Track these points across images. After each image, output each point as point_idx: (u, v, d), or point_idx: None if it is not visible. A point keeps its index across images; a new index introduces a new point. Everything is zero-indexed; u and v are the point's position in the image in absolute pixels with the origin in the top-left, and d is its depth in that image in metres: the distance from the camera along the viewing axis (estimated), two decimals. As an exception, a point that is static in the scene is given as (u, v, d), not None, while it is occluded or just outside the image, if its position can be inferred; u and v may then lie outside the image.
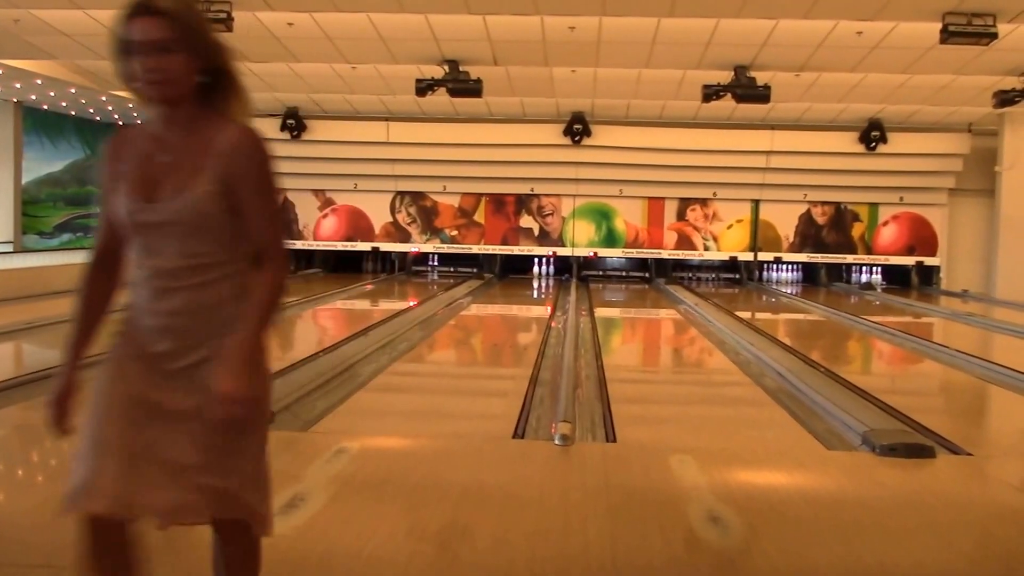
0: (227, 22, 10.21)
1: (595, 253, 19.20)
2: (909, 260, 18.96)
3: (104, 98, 16.57)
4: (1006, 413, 7.33)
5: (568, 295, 14.79)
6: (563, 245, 19.15)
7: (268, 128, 17.85)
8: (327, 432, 5.40)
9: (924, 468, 4.80)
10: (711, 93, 13.24)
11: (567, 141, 17.85)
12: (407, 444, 5.31)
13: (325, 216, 19.32)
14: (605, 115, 17.62)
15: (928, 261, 18.90)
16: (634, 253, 19.00)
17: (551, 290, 16.99)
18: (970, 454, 5.21)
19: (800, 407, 6.46)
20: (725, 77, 12.95)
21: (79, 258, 12.61)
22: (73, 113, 19.01)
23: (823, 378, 7.35)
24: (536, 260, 19.69)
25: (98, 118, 19.48)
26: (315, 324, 12.16)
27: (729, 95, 13.02)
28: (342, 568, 3.25)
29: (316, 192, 19.21)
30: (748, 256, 18.88)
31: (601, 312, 13.04)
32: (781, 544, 3.59)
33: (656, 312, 14.31)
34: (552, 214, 19.12)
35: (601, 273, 19.60)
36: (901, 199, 18.69)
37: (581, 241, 19.07)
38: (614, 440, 5.35)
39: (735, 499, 4.01)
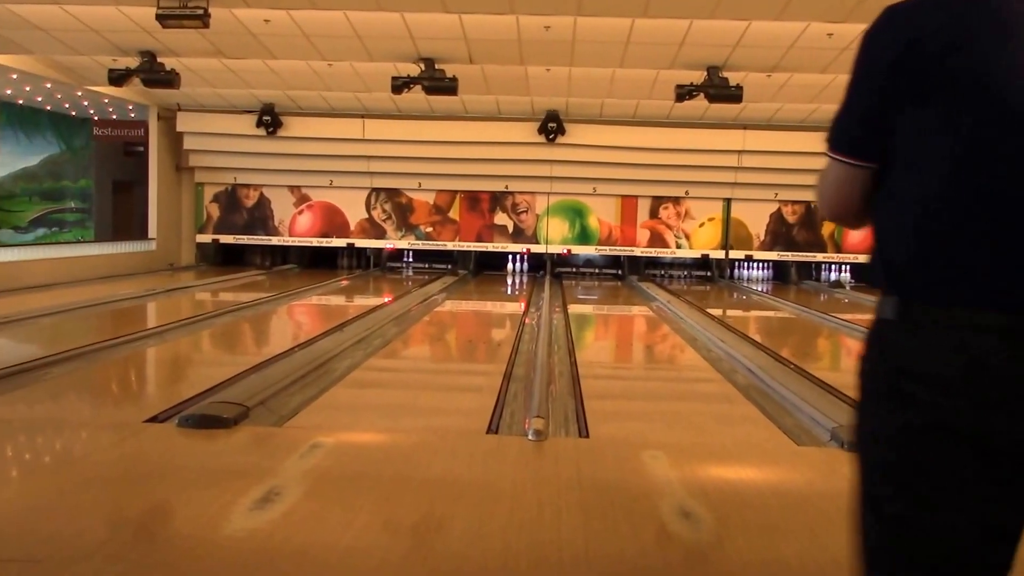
0: (204, 18, 10.16)
1: (569, 250, 19.27)
2: (880, 258, 19.09)
3: (79, 93, 16.45)
4: None
5: (542, 292, 14.83)
6: (537, 242, 19.19)
7: (244, 125, 17.83)
8: (302, 427, 5.41)
9: (890, 463, 4.90)
10: (684, 93, 13.32)
11: (541, 139, 17.88)
12: (382, 439, 5.34)
13: (301, 212, 19.25)
14: (579, 114, 17.67)
15: (897, 259, 19.04)
16: (607, 251, 19.09)
17: (525, 287, 17.03)
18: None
19: (770, 403, 6.51)
20: (698, 77, 13.03)
21: (54, 253, 12.53)
22: (48, 108, 18.87)
23: (793, 375, 7.41)
24: (510, 257, 19.77)
25: (73, 113, 19.35)
26: (290, 319, 12.15)
27: (702, 95, 13.10)
28: (317, 561, 3.26)
29: (292, 188, 19.15)
30: (720, 254, 19.00)
31: (574, 309, 13.09)
32: (751, 538, 3.63)
33: (629, 309, 14.38)
34: (526, 211, 19.16)
35: (574, 270, 19.69)
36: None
37: (555, 238, 19.12)
38: (587, 435, 5.39)
39: (706, 493, 4.06)
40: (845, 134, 1.82)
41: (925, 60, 1.61)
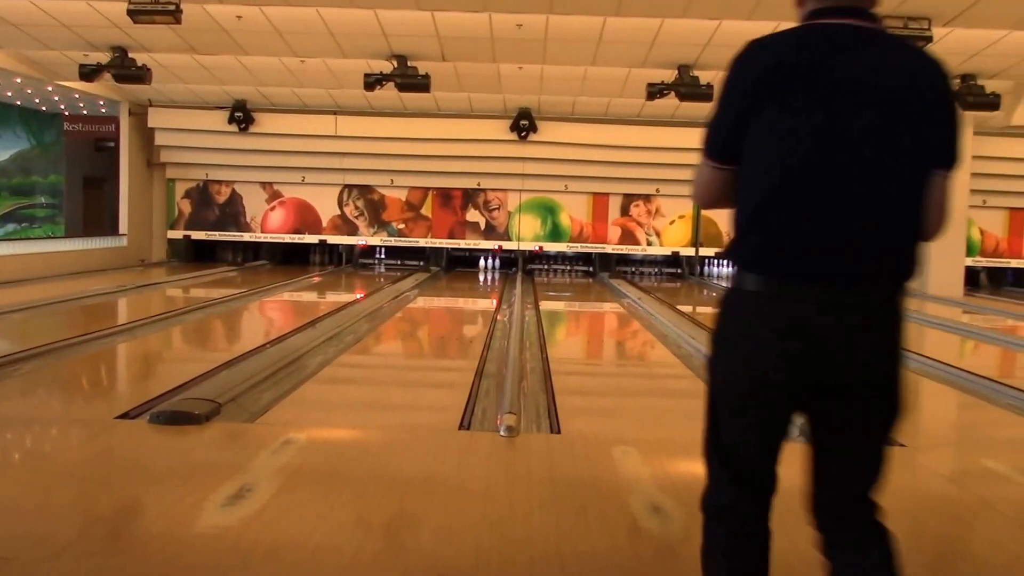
0: (175, 14, 10.12)
1: (540, 247, 19.32)
2: (845, 256, 19.31)
3: (50, 88, 16.34)
4: (938, 405, 7.51)
5: (513, 288, 14.87)
6: (509, 239, 19.23)
7: (216, 121, 17.75)
8: (274, 423, 5.41)
9: (857, 459, 4.97)
10: (655, 91, 13.40)
11: (514, 136, 17.94)
12: (354, 435, 5.34)
13: (273, 208, 19.20)
14: (551, 111, 17.74)
15: (864, 257, 19.26)
16: (579, 247, 19.16)
17: (497, 283, 17.06)
18: (902, 445, 5.35)
19: (739, 400, 6.58)
20: (669, 76, 13.11)
21: (24, 249, 12.40)
22: (19, 103, 18.70)
23: (761, 372, 7.47)
24: (482, 254, 19.80)
25: (44, 108, 19.19)
26: (262, 316, 12.11)
27: (673, 93, 13.19)
28: (289, 559, 3.26)
29: (264, 185, 19.10)
30: (690, 251, 19.11)
31: (546, 306, 13.13)
32: None
33: (600, 306, 14.44)
34: (498, 208, 19.19)
35: (545, 265, 19.73)
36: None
37: (527, 235, 19.17)
38: (559, 431, 5.41)
39: (676, 489, 4.09)
40: (714, 143, 2.22)
41: (774, 80, 2.07)
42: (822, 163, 2.05)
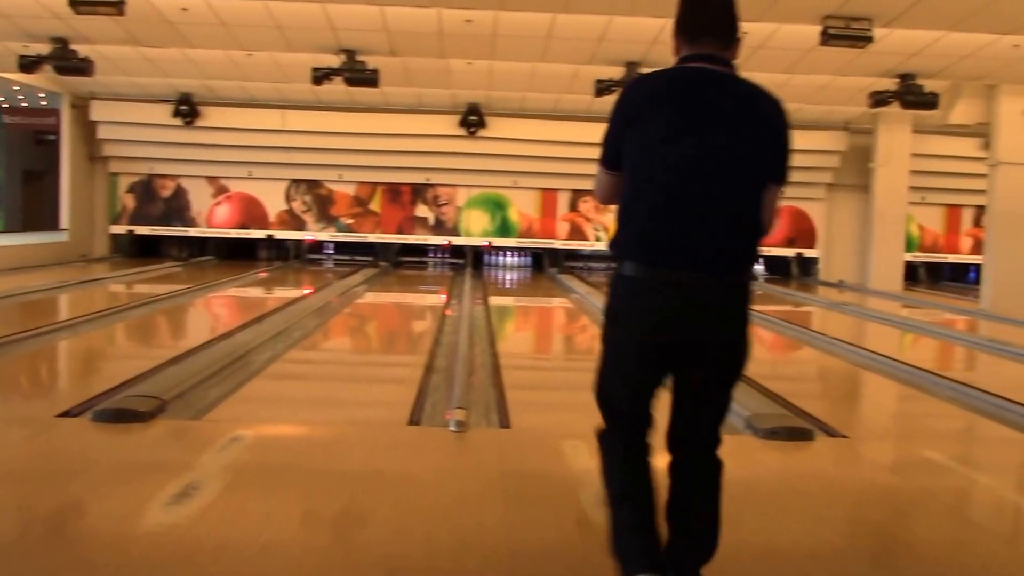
0: (118, 5, 9.98)
1: (490, 243, 19.35)
2: (790, 252, 19.65)
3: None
4: (879, 397, 7.68)
5: (463, 284, 14.89)
6: (458, 234, 19.25)
7: (160, 114, 17.55)
8: (221, 420, 5.38)
9: (803, 450, 5.04)
10: (604, 88, 13.48)
11: (463, 132, 17.95)
12: (302, 431, 5.33)
13: (219, 203, 19.02)
14: (500, 107, 17.76)
15: (807, 253, 19.64)
16: (527, 243, 19.21)
17: (446, 279, 17.06)
18: (846, 436, 5.44)
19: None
20: (617, 73, 13.18)
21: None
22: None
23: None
24: (431, 249, 19.79)
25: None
26: (208, 312, 12.01)
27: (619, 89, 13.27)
28: (236, 557, 3.24)
29: (210, 179, 18.91)
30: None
31: (495, 300, 13.17)
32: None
33: (549, 301, 14.50)
34: (447, 204, 19.19)
35: (495, 261, 19.79)
36: (782, 193, 19.28)
37: (476, 231, 19.19)
38: (508, 426, 5.43)
39: None
40: (605, 154, 2.82)
41: (647, 106, 2.70)
42: (677, 174, 2.62)
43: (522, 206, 19.11)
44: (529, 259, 19.73)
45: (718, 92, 2.69)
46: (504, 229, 19.24)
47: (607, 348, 2.82)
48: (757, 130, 2.70)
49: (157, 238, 19.24)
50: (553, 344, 10.75)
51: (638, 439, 2.81)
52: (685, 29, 2.78)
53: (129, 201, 18.88)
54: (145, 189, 18.89)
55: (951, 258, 20.40)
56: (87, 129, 18.08)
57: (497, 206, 19.18)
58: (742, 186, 2.68)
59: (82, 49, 12.99)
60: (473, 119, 17.79)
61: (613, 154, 2.78)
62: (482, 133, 18.00)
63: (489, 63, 13.77)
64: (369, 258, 19.29)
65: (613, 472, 2.85)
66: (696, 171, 2.61)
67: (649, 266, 2.64)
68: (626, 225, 2.72)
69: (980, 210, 18.34)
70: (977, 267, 18.10)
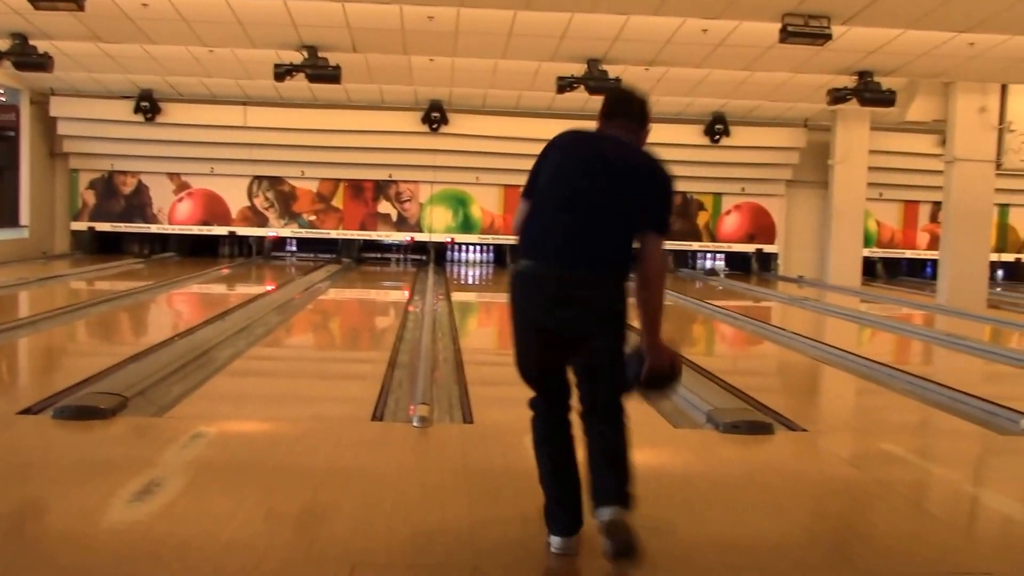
0: (79, 2, 9.88)
1: (452, 239, 19.37)
2: (750, 247, 19.86)
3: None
4: (838, 391, 7.78)
5: (426, 280, 14.89)
6: (421, 231, 19.25)
7: (121, 110, 17.39)
8: (183, 417, 5.36)
9: (763, 444, 5.11)
10: (565, 85, 13.53)
11: (425, 128, 17.97)
12: (265, 428, 5.33)
13: (180, 200, 18.88)
14: (462, 104, 17.79)
15: (767, 248, 19.85)
16: (490, 239, 19.24)
17: (409, 275, 17.05)
18: (805, 430, 5.51)
19: (648, 388, 6.72)
20: (579, 70, 13.24)
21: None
22: None
23: (670, 360, 7.62)
24: (394, 245, 19.78)
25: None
26: (170, 309, 11.93)
27: (582, 87, 13.33)
28: (199, 554, 3.23)
29: (171, 175, 18.77)
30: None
31: (458, 297, 13.19)
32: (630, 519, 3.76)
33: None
34: (410, 200, 19.18)
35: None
36: (743, 190, 19.56)
37: (438, 227, 19.20)
38: (471, 421, 5.46)
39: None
40: (527, 188, 3.50)
41: (549, 152, 3.50)
42: (560, 205, 3.34)
43: (484, 202, 19.14)
44: (491, 255, 19.76)
45: (607, 151, 3.41)
46: (467, 225, 19.27)
47: (514, 332, 3.42)
48: (632, 183, 3.36)
49: (118, 235, 19.06)
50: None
51: (560, 410, 3.42)
52: (604, 113, 3.60)
53: (90, 198, 18.70)
54: (106, 185, 18.71)
55: (908, 254, 20.69)
56: (47, 125, 17.87)
57: (459, 202, 19.20)
58: (609, 216, 3.32)
59: (42, 45, 12.85)
60: (435, 116, 17.80)
61: (530, 187, 3.48)
62: (444, 130, 18.02)
63: (451, 60, 13.78)
64: (332, 255, 19.23)
65: (539, 450, 3.46)
66: (571, 200, 3.34)
67: (537, 263, 3.32)
68: (524, 236, 3.41)
69: (937, 206, 18.60)
70: (934, 262, 18.36)
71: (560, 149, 3.49)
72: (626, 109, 3.60)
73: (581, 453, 3.40)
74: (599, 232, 3.29)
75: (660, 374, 3.41)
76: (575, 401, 3.42)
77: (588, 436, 3.35)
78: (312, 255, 19.51)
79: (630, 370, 3.38)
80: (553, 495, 3.42)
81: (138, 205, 18.79)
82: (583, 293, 3.27)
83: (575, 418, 3.44)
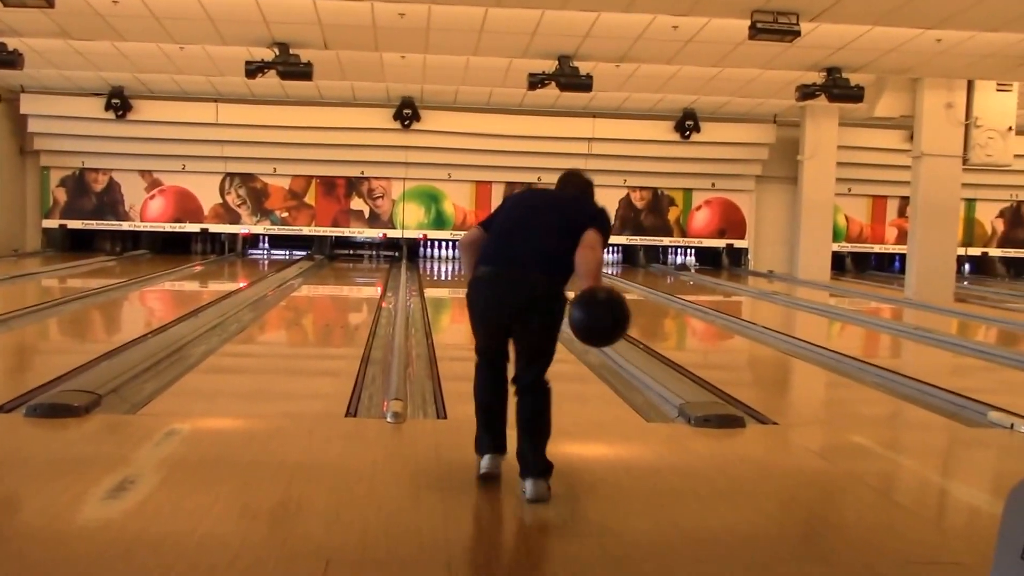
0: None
1: (424, 235, 19.39)
2: (720, 242, 20.00)
3: None
4: (807, 384, 7.87)
5: (398, 276, 14.89)
6: (393, 227, 19.25)
7: (92, 108, 17.28)
8: (156, 414, 5.35)
9: (734, 437, 5.18)
10: (536, 81, 13.56)
11: (397, 125, 17.97)
12: (239, 424, 5.33)
13: (152, 197, 18.80)
14: (434, 100, 17.80)
15: (737, 243, 20.00)
16: (462, 235, 19.18)
17: (381, 271, 17.04)
18: (775, 423, 5.57)
19: (621, 382, 6.76)
20: (549, 66, 13.28)
21: None
22: None
23: (642, 354, 7.67)
24: (367, 242, 19.78)
25: None
26: (143, 306, 11.88)
27: (553, 84, 13.37)
28: (174, 550, 3.22)
29: (143, 173, 18.69)
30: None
31: (430, 293, 13.21)
32: (603, 510, 3.80)
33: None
34: (382, 197, 19.17)
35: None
36: (713, 185, 19.69)
37: (411, 223, 19.22)
38: (445, 416, 5.50)
39: (560, 470, 4.15)
40: (486, 222, 4.42)
41: (511, 203, 4.50)
42: (512, 231, 4.21)
43: (457, 199, 19.18)
44: None
45: (546, 193, 4.66)
46: (439, 222, 19.29)
47: (470, 316, 4.29)
48: (563, 206, 4.33)
49: (90, 232, 18.97)
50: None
51: (495, 368, 4.24)
52: (557, 185, 4.58)
53: (61, 195, 18.58)
54: (77, 183, 18.60)
55: (877, 248, 20.89)
56: (17, 123, 17.76)
57: (432, 199, 19.22)
58: (548, 236, 4.12)
59: (11, 42, 12.75)
60: (407, 112, 17.81)
61: (488, 223, 4.39)
62: (416, 126, 18.03)
63: (423, 57, 13.79)
64: (304, 251, 19.20)
65: (477, 391, 4.28)
66: (520, 226, 4.23)
67: (491, 268, 4.14)
68: (482, 252, 4.24)
69: (904, 201, 18.81)
70: (902, 257, 18.58)
71: (514, 198, 4.59)
72: (575, 181, 4.56)
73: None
74: (537, 244, 4.10)
75: (596, 305, 4.01)
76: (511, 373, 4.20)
77: (519, 406, 4.10)
78: (284, 252, 19.47)
79: (574, 315, 3.97)
80: (480, 423, 4.25)
81: (110, 202, 18.69)
82: (527, 283, 4.04)
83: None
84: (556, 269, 4.08)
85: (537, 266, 4.06)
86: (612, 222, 19.45)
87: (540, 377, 4.10)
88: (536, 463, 3.97)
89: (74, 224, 18.67)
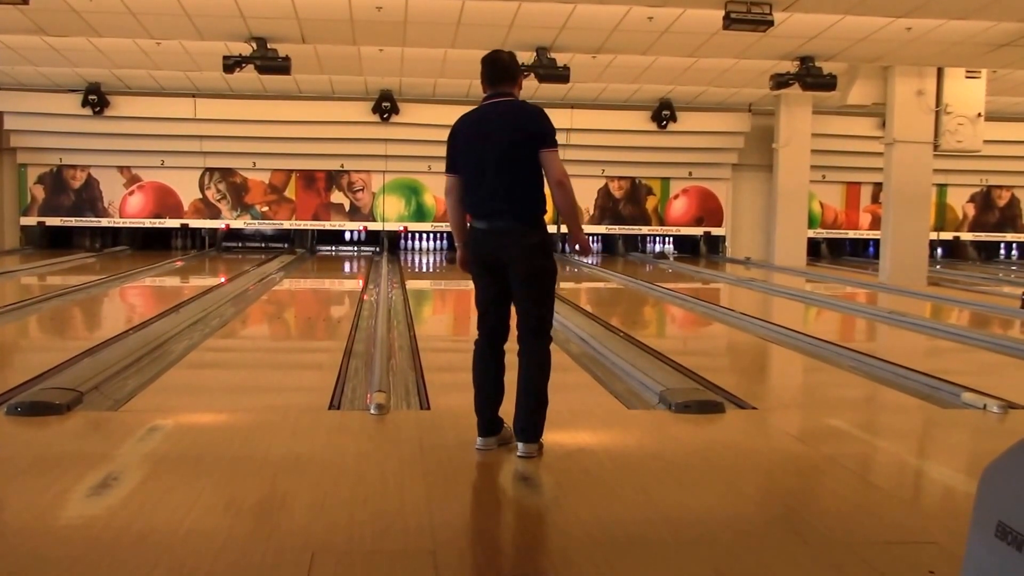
0: (25, -2, 9.78)
1: (405, 228, 19.39)
2: (698, 230, 20.13)
3: None
4: (786, 369, 7.93)
5: (380, 269, 14.90)
6: (374, 220, 19.25)
7: (69, 104, 17.19)
8: (139, 410, 5.34)
9: (714, 422, 5.21)
10: (516, 72, 13.57)
11: (376, 118, 17.98)
12: (222, 419, 5.33)
13: (131, 193, 18.74)
14: (413, 93, 17.82)
15: (714, 231, 20.15)
16: (443, 227, 19.28)
17: (363, 264, 17.04)
18: (755, 408, 5.62)
19: (602, 370, 6.81)
20: (527, 58, 13.29)
21: None
22: None
23: (622, 342, 7.74)
24: (347, 235, 19.77)
25: None
26: (123, 302, 11.85)
27: (531, 75, 13.39)
28: (159, 546, 3.20)
29: (121, 169, 18.64)
30: (551, 228, 19.42)
31: (412, 285, 13.22)
32: (586, 498, 3.81)
33: (465, 284, 14.53)
34: (362, 190, 19.17)
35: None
36: (690, 174, 19.80)
37: (391, 216, 19.23)
38: (428, 407, 5.51)
39: (543, 458, 4.23)
40: (447, 165, 4.54)
41: (462, 131, 4.49)
42: (478, 168, 4.37)
43: (437, 191, 19.16)
44: (445, 243, 19.81)
45: (498, 114, 4.40)
46: (420, 214, 19.31)
47: (472, 276, 4.52)
48: (522, 128, 4.31)
49: (69, 229, 18.91)
50: (470, 326, 10.80)
51: (493, 347, 4.47)
52: (484, 81, 4.49)
53: (39, 192, 18.51)
54: (55, 180, 18.52)
55: (851, 234, 21.10)
56: (-8, 120, 17.64)
57: (412, 191, 19.24)
58: (514, 169, 4.30)
59: (-15, 39, 12.69)
60: (386, 105, 17.81)
61: (450, 164, 4.51)
62: (395, 119, 18.05)
63: (400, 50, 13.79)
64: (285, 245, 19.17)
65: (474, 371, 4.47)
66: (486, 164, 4.33)
67: (479, 220, 4.39)
68: (467, 202, 4.43)
69: (877, 187, 18.99)
70: (876, 242, 18.76)
71: (460, 133, 4.49)
72: (502, 76, 4.46)
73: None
74: (509, 185, 4.30)
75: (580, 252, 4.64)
76: (514, 329, 4.46)
77: (520, 365, 4.36)
78: (264, 245, 19.44)
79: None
80: (475, 403, 4.47)
81: (88, 199, 18.61)
82: (511, 232, 4.30)
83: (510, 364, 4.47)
84: (530, 207, 4.35)
85: (513, 215, 4.32)
86: (592, 211, 19.49)
87: (540, 339, 4.38)
88: (525, 429, 4.29)
89: (53, 221, 18.60)
